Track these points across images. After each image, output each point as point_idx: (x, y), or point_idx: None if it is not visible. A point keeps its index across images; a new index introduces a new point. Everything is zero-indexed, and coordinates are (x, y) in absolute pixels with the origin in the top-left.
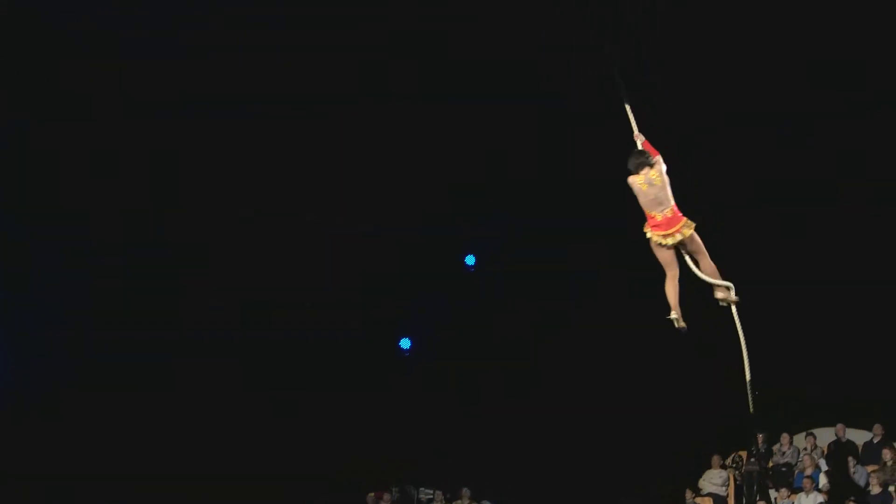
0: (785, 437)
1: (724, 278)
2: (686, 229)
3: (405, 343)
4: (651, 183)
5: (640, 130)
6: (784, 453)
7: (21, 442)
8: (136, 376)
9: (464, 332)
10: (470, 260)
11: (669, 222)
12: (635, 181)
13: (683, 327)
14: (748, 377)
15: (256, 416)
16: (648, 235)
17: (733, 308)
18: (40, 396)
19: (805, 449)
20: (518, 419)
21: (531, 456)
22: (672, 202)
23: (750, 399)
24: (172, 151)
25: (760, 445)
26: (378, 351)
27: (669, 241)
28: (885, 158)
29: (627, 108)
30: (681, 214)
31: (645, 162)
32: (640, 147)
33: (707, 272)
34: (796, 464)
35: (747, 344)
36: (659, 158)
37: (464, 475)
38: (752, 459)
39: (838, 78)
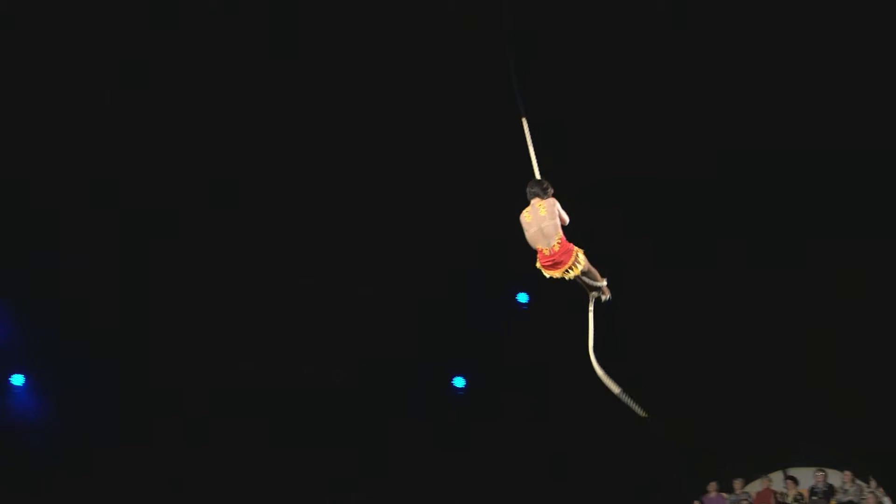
0: (847, 476)
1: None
2: (574, 268)
3: (459, 382)
4: (536, 213)
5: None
6: (847, 491)
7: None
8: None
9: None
10: (523, 297)
11: (557, 258)
12: (522, 214)
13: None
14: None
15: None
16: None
17: (591, 305)
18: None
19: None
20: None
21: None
22: (559, 234)
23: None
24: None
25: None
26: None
27: (568, 276)
28: None
29: (531, 151)
30: (570, 246)
31: (538, 192)
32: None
33: (593, 271)
34: (860, 502)
35: None
36: (552, 199)
37: None
38: (814, 498)
39: None
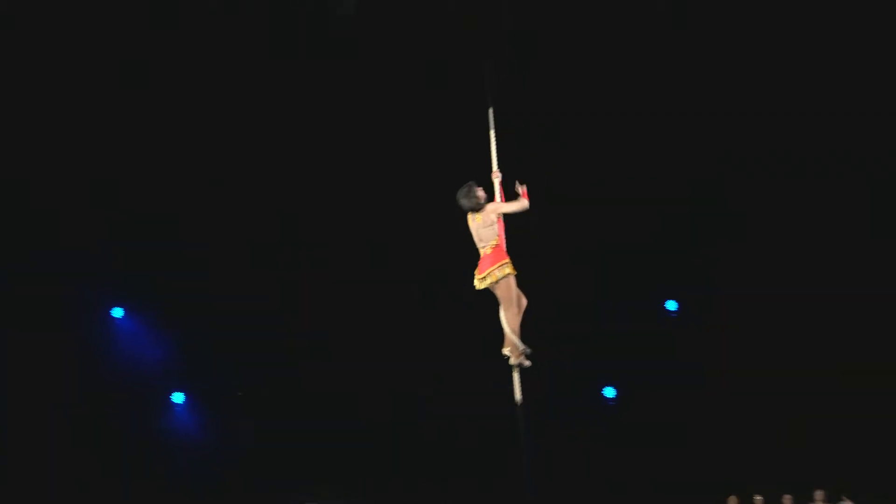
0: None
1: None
2: (498, 272)
3: (609, 392)
4: (473, 220)
5: None
6: None
7: None
8: None
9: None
10: (671, 305)
11: (486, 261)
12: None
13: (520, 362)
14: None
15: None
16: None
17: (515, 370)
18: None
19: None
20: None
21: None
22: (495, 240)
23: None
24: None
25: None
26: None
27: (482, 284)
28: None
29: (492, 137)
30: (503, 256)
31: (468, 207)
32: (497, 185)
33: (509, 324)
34: None
35: None
36: (489, 206)
37: None
38: None
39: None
